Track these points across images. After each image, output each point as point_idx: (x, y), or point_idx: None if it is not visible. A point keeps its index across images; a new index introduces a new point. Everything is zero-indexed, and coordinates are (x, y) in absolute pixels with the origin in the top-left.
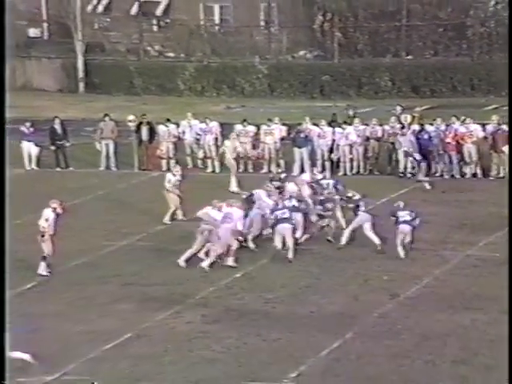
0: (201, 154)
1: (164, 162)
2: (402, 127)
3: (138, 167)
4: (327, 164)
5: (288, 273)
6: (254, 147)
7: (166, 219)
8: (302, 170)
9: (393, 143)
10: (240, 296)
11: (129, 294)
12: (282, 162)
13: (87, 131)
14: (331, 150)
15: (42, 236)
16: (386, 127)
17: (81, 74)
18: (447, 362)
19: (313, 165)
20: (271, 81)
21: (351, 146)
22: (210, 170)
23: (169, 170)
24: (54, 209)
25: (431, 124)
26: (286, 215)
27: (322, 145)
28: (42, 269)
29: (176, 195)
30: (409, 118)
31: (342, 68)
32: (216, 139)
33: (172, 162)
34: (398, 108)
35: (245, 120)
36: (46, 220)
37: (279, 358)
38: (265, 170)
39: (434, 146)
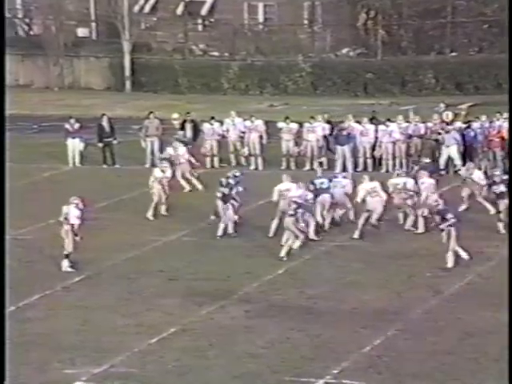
0: (246, 152)
1: (208, 160)
2: (447, 124)
3: None
4: (369, 161)
5: (330, 268)
6: (297, 145)
7: (149, 214)
8: (344, 168)
9: (436, 140)
10: (283, 292)
11: (174, 288)
12: (324, 159)
13: (133, 129)
14: (373, 148)
15: (75, 234)
16: (429, 124)
17: (127, 72)
18: (490, 360)
19: (355, 162)
20: (314, 79)
21: (394, 143)
22: (253, 167)
23: (213, 167)
24: (76, 205)
25: (475, 121)
26: (325, 185)
27: (364, 142)
28: (66, 266)
29: (161, 190)
30: (450, 115)
31: (385, 66)
32: (261, 137)
33: (216, 159)
34: (442, 105)
35: (287, 117)
36: (78, 218)
37: (322, 353)
38: (307, 167)
39: (478, 142)
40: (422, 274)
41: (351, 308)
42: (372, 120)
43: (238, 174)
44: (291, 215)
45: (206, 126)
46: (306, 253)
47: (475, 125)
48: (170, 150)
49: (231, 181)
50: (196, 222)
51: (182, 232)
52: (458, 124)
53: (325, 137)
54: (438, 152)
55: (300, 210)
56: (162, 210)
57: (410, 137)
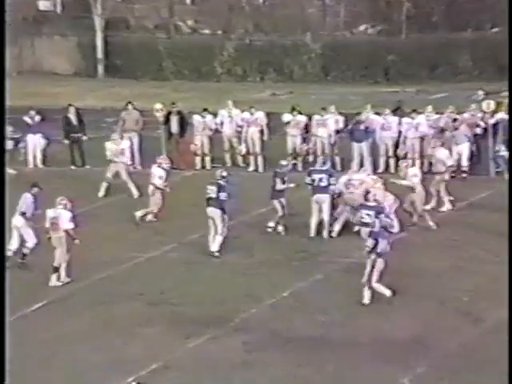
0: (243, 150)
1: (198, 159)
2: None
3: None
4: (392, 161)
5: (346, 290)
6: (305, 141)
7: (138, 214)
8: (361, 168)
9: (474, 135)
10: (288, 318)
11: (157, 315)
12: (337, 158)
13: (108, 122)
14: (397, 145)
15: (74, 239)
16: (465, 116)
17: (100, 54)
18: None
19: (374, 162)
20: (326, 62)
21: (422, 138)
22: (252, 168)
23: (204, 168)
24: (65, 206)
25: None
26: (324, 183)
27: (385, 138)
28: (55, 280)
29: (161, 196)
30: (492, 104)
31: (411, 45)
32: (261, 132)
33: (207, 158)
34: (480, 93)
35: (294, 109)
36: (70, 221)
37: None
38: (317, 166)
39: None
40: (457, 298)
41: (371, 339)
42: (395, 111)
43: (225, 173)
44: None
45: (196, 119)
46: (315, 271)
47: None
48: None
49: (221, 182)
50: (184, 235)
51: (167, 246)
52: (501, 115)
53: (338, 132)
54: (477, 148)
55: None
56: (151, 216)
57: (441, 131)
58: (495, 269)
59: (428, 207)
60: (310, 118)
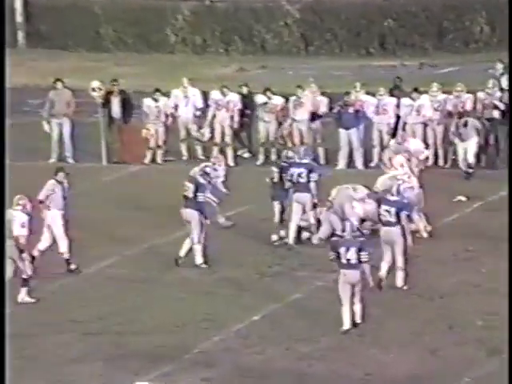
0: (206, 135)
1: (149, 151)
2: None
3: (106, 158)
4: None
5: (332, 313)
6: (280, 126)
7: None
8: (350, 161)
9: (491, 119)
10: (260, 349)
11: (95, 347)
12: (320, 149)
13: (31, 105)
14: (395, 132)
15: (21, 251)
16: (481, 95)
17: (19, 18)
18: None
19: (367, 153)
20: (306, 29)
21: (425, 124)
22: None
23: (154, 162)
24: (23, 207)
25: None
26: (303, 179)
27: (380, 123)
28: (24, 295)
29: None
30: None
31: (412, 7)
32: (231, 118)
33: (159, 152)
34: (499, 66)
35: (268, 89)
36: (23, 226)
37: None
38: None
39: None
40: (470, 323)
41: (364, 374)
42: (393, 90)
43: (208, 169)
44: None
45: (147, 104)
46: (293, 289)
47: None
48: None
49: (200, 179)
50: (128, 246)
51: (106, 261)
52: None
53: (321, 116)
54: (495, 136)
55: None
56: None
57: (449, 114)
58: None
59: None
60: (287, 100)
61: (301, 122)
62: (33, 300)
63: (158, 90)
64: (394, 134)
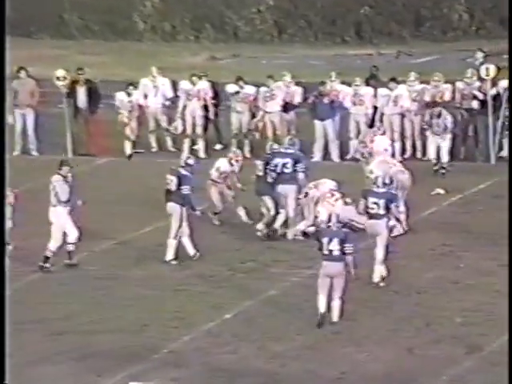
0: (179, 128)
1: (129, 145)
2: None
3: (72, 151)
4: (350, 142)
5: (306, 311)
6: (254, 117)
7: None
8: (326, 154)
9: (469, 110)
10: (232, 348)
11: (60, 347)
12: (296, 141)
13: None
14: (372, 123)
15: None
16: (459, 85)
17: None
18: None
19: (343, 145)
20: (279, 16)
21: (403, 115)
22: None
23: (123, 153)
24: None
25: None
26: (289, 169)
27: (356, 114)
28: None
29: (220, 191)
30: (492, 69)
31: None
32: (205, 108)
33: (128, 144)
34: (479, 55)
35: (240, 78)
36: (8, 218)
37: None
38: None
39: None
40: (448, 320)
41: (339, 373)
42: (369, 80)
43: (191, 161)
44: None
45: (119, 98)
46: (268, 286)
47: None
48: None
49: (183, 172)
50: (94, 242)
51: (75, 257)
52: (503, 83)
53: (295, 107)
54: (474, 127)
55: None
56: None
57: (427, 105)
58: (498, 282)
59: None
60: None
61: (273, 114)
62: None
63: (131, 84)
64: (371, 126)
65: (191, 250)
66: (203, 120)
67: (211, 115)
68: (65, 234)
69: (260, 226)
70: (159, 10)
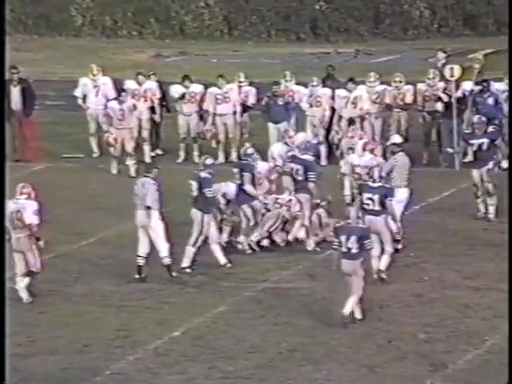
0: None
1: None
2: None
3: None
4: (322, 148)
5: (261, 326)
6: (202, 120)
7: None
8: None
9: (433, 112)
10: (181, 368)
11: None
12: (248, 145)
13: None
14: (329, 127)
15: (37, 239)
16: (421, 86)
17: None
18: None
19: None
20: (229, 11)
21: (362, 118)
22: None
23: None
24: (29, 195)
25: (499, 80)
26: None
27: (313, 117)
28: (23, 290)
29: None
30: (457, 70)
31: None
32: (152, 109)
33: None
34: (441, 55)
35: (187, 76)
36: (35, 214)
37: None
38: (220, 158)
39: (503, 115)
40: (412, 336)
41: None
42: (326, 80)
43: (209, 161)
44: None
45: (111, 106)
46: (218, 301)
47: (497, 86)
48: None
49: (203, 174)
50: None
51: (10, 272)
52: (468, 85)
53: (246, 108)
54: (438, 131)
55: None
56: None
57: (387, 107)
58: (464, 295)
59: None
60: (207, 88)
61: (226, 116)
62: (30, 299)
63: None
64: (328, 129)
65: (222, 259)
66: (150, 123)
67: (157, 118)
68: None
69: (241, 238)
70: (99, 3)
